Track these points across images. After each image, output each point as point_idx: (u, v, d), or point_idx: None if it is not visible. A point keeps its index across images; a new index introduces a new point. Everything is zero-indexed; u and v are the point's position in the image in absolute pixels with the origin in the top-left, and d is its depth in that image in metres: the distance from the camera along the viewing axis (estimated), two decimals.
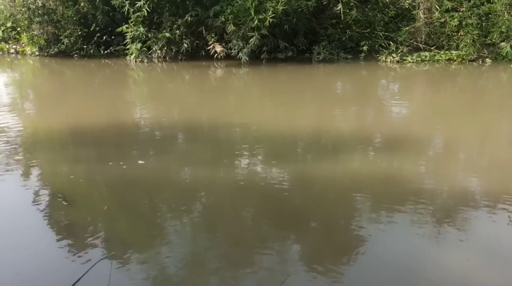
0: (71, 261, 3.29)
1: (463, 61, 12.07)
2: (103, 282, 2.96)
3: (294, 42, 12.75)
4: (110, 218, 4.00)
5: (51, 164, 5.45)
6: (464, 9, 12.18)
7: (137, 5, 12.45)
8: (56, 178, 4.94)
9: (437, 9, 12.36)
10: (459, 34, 12.20)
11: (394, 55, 12.46)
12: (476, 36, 11.90)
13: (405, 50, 12.50)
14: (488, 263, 3.24)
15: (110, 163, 5.13)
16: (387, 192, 4.47)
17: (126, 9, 12.50)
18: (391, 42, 12.61)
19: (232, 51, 12.21)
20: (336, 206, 4.23)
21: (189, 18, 12.51)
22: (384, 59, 12.46)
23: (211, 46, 12.51)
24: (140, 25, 12.59)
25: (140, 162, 5.21)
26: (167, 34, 12.63)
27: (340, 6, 12.04)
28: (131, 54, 12.86)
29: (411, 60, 12.33)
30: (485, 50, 12.16)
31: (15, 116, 7.67)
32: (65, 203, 4.16)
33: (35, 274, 3.16)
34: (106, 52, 13.89)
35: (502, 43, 11.95)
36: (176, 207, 4.23)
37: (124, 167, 5.03)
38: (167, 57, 12.99)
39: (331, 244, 3.56)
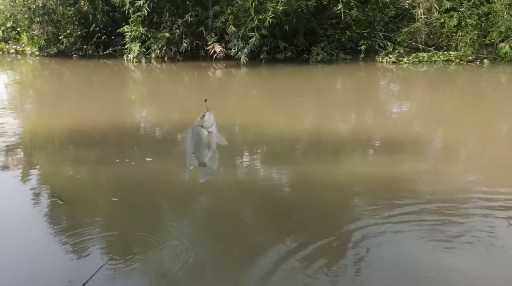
0: (71, 261, 3.30)
1: (461, 62, 12.05)
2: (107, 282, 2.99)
3: (294, 43, 12.75)
4: (110, 217, 4.01)
5: (50, 163, 5.46)
6: (463, 9, 12.17)
7: (136, 4, 12.43)
8: (55, 178, 4.94)
9: (436, 9, 12.34)
10: (458, 35, 12.19)
11: (391, 55, 12.44)
12: (476, 37, 11.88)
13: (402, 51, 12.47)
14: (489, 263, 3.24)
15: (110, 163, 5.13)
16: (386, 192, 4.45)
17: (127, 8, 12.46)
18: (389, 43, 12.60)
19: (232, 51, 12.21)
20: (336, 206, 4.21)
21: (189, 18, 12.52)
22: (380, 60, 12.44)
23: (210, 46, 12.50)
24: (140, 25, 12.59)
25: (140, 161, 5.21)
26: (167, 34, 12.62)
27: (340, 6, 12.04)
28: (130, 53, 12.82)
29: (407, 61, 12.30)
30: (484, 51, 12.14)
31: (15, 116, 7.67)
32: (60, 202, 4.16)
33: (34, 275, 3.16)
34: (104, 52, 13.90)
35: (502, 43, 11.93)
36: (175, 207, 4.25)
37: (124, 167, 5.04)
38: (166, 58, 12.97)
39: (330, 244, 3.55)
